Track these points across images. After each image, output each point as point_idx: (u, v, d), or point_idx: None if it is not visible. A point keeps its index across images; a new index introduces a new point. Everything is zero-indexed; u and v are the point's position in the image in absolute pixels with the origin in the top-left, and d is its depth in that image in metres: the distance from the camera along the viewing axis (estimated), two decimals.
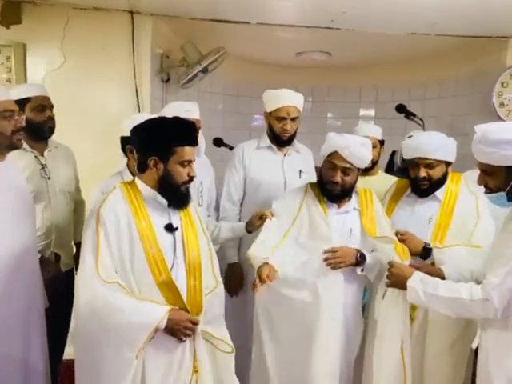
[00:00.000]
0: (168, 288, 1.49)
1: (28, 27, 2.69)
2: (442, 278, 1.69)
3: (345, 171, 1.87)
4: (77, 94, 2.74)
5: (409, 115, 3.07)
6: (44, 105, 2.13)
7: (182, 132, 1.53)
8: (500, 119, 2.95)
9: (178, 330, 1.47)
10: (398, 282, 1.64)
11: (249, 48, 3.47)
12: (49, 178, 2.13)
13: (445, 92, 3.52)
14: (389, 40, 3.08)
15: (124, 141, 2.03)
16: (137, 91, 2.77)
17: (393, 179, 2.45)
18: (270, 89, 2.44)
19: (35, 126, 2.06)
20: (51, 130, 2.17)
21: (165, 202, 1.55)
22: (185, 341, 1.50)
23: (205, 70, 3.00)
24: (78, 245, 2.19)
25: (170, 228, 1.54)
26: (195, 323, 1.50)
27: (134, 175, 1.99)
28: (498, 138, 1.38)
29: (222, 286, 1.65)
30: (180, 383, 1.52)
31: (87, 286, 1.44)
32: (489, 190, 1.47)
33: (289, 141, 2.37)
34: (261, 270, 1.76)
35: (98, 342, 1.43)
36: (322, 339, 1.81)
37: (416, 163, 1.97)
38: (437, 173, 1.96)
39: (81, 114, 2.72)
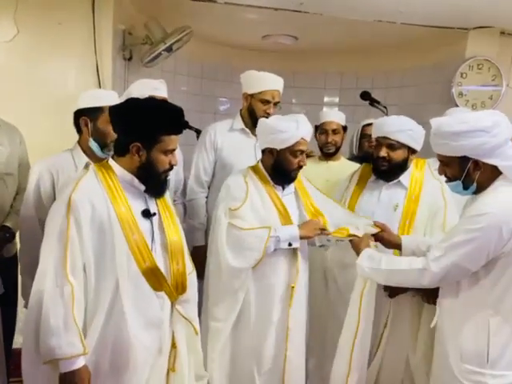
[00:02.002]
0: (153, 274, 1.45)
1: None
2: (400, 246, 1.82)
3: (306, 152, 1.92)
4: (31, 69, 2.57)
5: (373, 102, 3.12)
6: None
7: (171, 120, 1.45)
8: None
9: None
10: (356, 253, 1.80)
11: (215, 29, 3.39)
12: None
13: (407, 81, 3.60)
14: (355, 27, 3.11)
15: (78, 114, 1.90)
16: (97, 68, 2.65)
17: (355, 165, 2.50)
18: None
19: None
20: None
21: (142, 187, 1.50)
22: None
23: (169, 49, 2.91)
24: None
25: (147, 214, 1.49)
26: None
27: (86, 153, 1.90)
28: (449, 130, 1.43)
29: (195, 271, 1.64)
30: (162, 360, 1.52)
31: (42, 276, 1.36)
32: (448, 179, 1.53)
33: None
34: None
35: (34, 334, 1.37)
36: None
37: (379, 142, 1.99)
38: (397, 155, 1.97)
39: (36, 91, 2.57)
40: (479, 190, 1.48)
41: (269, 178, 1.94)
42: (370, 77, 3.74)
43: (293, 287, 1.87)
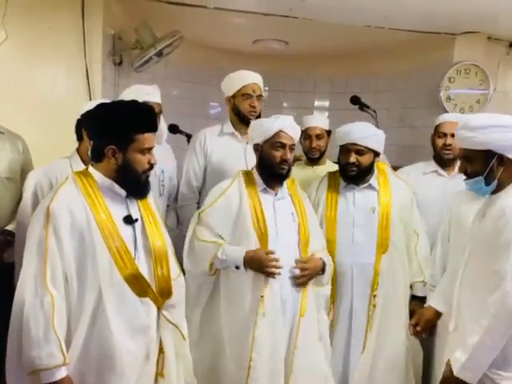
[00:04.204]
0: (136, 280, 1.44)
1: None
2: (437, 314, 1.77)
3: (291, 148, 1.90)
4: (20, 74, 2.57)
5: (362, 107, 3.15)
6: None
7: (142, 118, 1.44)
8: (446, 113, 3.09)
9: None
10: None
11: (205, 33, 3.40)
12: None
13: (396, 85, 3.63)
14: (344, 32, 3.13)
15: (81, 122, 1.91)
16: (87, 73, 2.64)
17: None
18: (225, 76, 2.41)
19: None
20: None
21: (123, 192, 1.48)
22: None
23: (159, 54, 2.91)
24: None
25: (129, 220, 1.48)
26: None
27: (84, 160, 1.91)
28: (477, 124, 1.47)
29: (183, 275, 1.64)
30: (150, 365, 1.51)
31: (23, 286, 1.36)
32: (468, 176, 1.54)
33: None
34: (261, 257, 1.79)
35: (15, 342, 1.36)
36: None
37: (347, 149, 2.07)
38: (365, 160, 2.06)
39: (25, 96, 2.56)
40: (498, 188, 1.49)
41: (259, 181, 1.93)
42: (360, 81, 3.77)
43: (262, 297, 1.81)
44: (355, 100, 3.17)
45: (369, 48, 3.49)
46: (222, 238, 1.88)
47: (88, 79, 2.64)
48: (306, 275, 1.86)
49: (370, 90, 3.66)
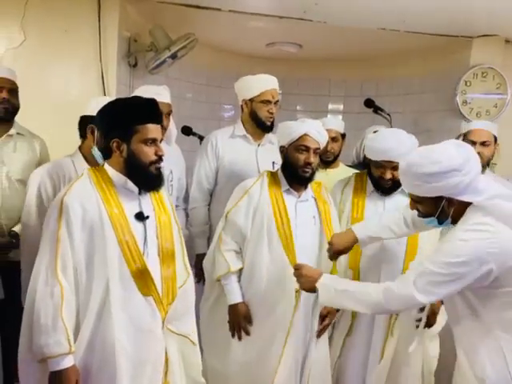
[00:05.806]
0: (142, 277, 1.45)
1: None
2: (355, 239, 1.83)
3: (315, 152, 1.90)
4: (38, 76, 2.62)
5: (377, 110, 3.12)
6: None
7: (142, 108, 1.46)
8: (463, 117, 3.05)
9: None
10: (306, 283, 1.62)
11: (219, 36, 3.42)
12: None
13: (411, 89, 3.59)
14: (359, 35, 3.12)
15: (84, 120, 1.93)
16: (102, 75, 2.67)
17: (354, 172, 2.49)
18: (239, 79, 2.41)
19: None
20: (7, 113, 2.07)
21: (135, 188, 1.50)
22: None
23: (174, 56, 2.93)
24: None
25: (140, 217, 1.49)
26: None
27: (86, 159, 1.92)
28: (422, 172, 1.36)
29: (192, 276, 1.64)
30: (155, 374, 1.50)
31: (36, 276, 1.39)
32: (421, 215, 1.48)
33: (272, 126, 2.34)
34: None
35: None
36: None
37: (382, 165, 1.98)
38: None
39: (42, 97, 2.60)
40: (454, 221, 1.43)
41: (283, 182, 1.94)
42: (374, 84, 3.75)
43: (297, 291, 1.84)
44: (369, 103, 3.14)
45: (383, 51, 3.46)
46: (246, 238, 1.92)
47: (103, 81, 2.67)
48: (326, 327, 1.96)
49: (384, 94, 3.63)
